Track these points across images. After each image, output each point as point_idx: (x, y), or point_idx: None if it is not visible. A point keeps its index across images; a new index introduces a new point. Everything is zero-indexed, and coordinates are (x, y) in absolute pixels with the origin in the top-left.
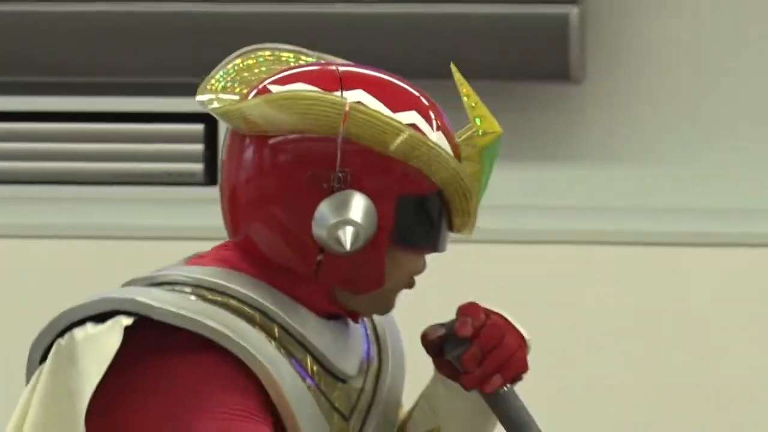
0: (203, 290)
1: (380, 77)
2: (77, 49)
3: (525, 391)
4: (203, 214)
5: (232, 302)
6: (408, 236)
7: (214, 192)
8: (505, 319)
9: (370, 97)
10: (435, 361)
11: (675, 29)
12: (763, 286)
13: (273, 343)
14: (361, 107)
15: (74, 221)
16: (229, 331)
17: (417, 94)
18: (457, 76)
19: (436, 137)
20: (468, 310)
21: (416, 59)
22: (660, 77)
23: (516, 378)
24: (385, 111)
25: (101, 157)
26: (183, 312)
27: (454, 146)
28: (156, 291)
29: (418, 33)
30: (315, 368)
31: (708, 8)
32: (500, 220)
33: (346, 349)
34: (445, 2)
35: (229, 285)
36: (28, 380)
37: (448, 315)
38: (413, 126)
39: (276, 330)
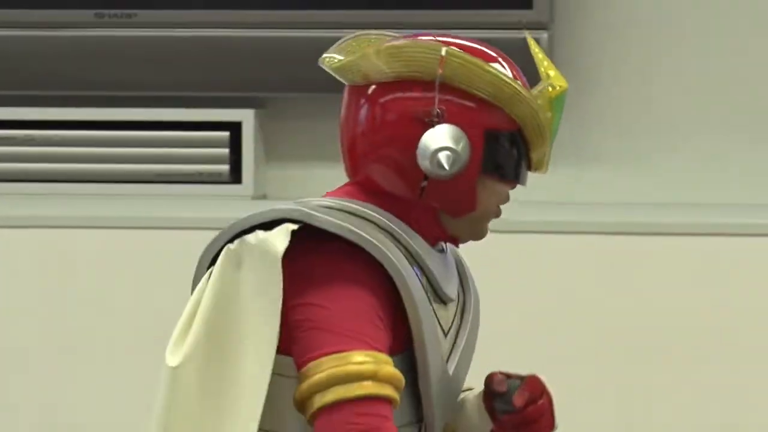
0: (346, 213)
1: (468, 41)
2: (131, 70)
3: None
4: (229, 207)
5: (370, 223)
6: (494, 166)
7: (238, 189)
8: (551, 403)
9: (462, 51)
10: (484, 397)
11: (631, 49)
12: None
13: (405, 257)
14: (455, 52)
15: (124, 214)
16: (377, 241)
17: (497, 54)
18: (529, 39)
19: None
20: (532, 385)
21: None
22: (618, 89)
23: None
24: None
25: (144, 160)
26: (339, 222)
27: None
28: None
29: None
30: (426, 286)
31: (660, 30)
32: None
33: (449, 275)
34: (424, 29)
35: (364, 209)
36: (193, 288)
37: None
38: None
39: (402, 249)
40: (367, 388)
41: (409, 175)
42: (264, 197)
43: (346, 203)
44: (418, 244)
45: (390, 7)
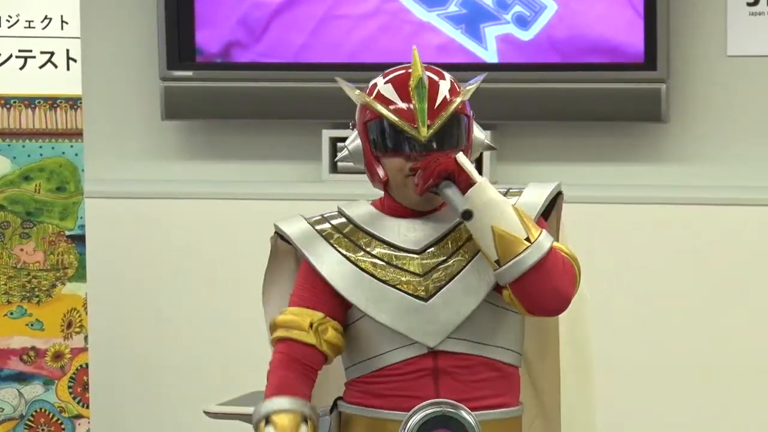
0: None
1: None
2: None
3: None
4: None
5: (334, 217)
6: (377, 145)
7: None
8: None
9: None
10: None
11: (740, 94)
12: None
13: (332, 239)
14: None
15: None
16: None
17: (389, 76)
18: (414, 51)
19: (384, 89)
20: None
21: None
22: (710, 122)
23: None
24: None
25: None
26: (279, 223)
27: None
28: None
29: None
30: (379, 249)
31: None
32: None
33: (415, 235)
34: (576, 82)
35: (345, 209)
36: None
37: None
38: (372, 87)
39: (348, 229)
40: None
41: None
42: (495, 183)
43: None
44: (367, 219)
45: (551, 69)
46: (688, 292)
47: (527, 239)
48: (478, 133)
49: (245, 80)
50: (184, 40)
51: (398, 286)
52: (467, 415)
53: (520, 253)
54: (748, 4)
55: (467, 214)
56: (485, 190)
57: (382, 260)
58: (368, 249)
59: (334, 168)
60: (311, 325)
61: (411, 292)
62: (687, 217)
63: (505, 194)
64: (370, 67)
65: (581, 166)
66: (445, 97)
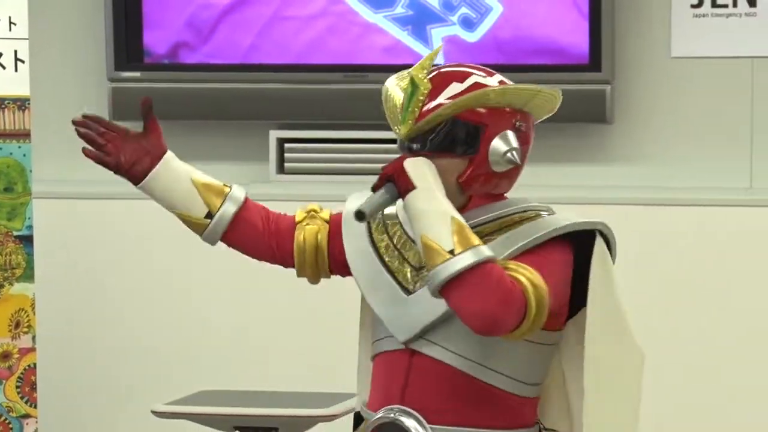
0: None
1: None
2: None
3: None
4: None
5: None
6: None
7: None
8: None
9: None
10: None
11: (680, 98)
12: None
13: (373, 220)
14: None
15: None
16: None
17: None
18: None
19: None
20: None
21: None
22: (655, 122)
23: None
24: None
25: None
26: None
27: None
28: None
29: None
30: (398, 233)
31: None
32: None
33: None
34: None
35: None
36: None
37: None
38: None
39: (389, 213)
40: None
41: None
42: None
43: None
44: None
45: (497, 70)
46: (631, 293)
47: (451, 251)
48: (499, 146)
49: (193, 81)
50: (132, 41)
51: (395, 273)
52: (419, 427)
53: (437, 265)
54: (692, 6)
55: (358, 215)
56: (421, 198)
57: (395, 246)
58: (391, 233)
59: (281, 168)
60: (309, 212)
61: (402, 282)
62: (631, 218)
63: (534, 215)
64: (317, 68)
65: (526, 166)
66: (442, 101)
